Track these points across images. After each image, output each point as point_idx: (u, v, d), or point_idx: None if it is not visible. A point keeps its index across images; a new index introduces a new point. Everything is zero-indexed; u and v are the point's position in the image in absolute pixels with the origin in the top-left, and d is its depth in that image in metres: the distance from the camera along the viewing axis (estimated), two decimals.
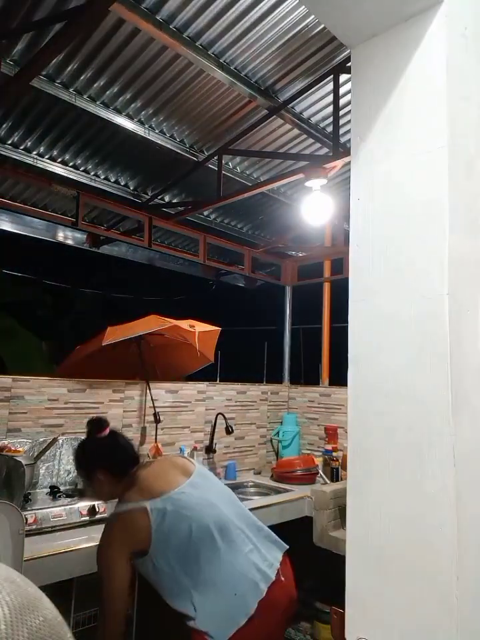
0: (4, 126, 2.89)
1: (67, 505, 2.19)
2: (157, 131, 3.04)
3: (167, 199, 3.86)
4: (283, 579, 1.70)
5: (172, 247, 4.47)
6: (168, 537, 1.60)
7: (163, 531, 1.60)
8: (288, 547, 1.83)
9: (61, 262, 6.22)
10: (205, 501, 1.71)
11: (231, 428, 3.35)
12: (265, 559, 1.70)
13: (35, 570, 1.69)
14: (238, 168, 3.56)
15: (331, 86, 2.62)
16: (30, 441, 2.43)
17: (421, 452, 1.05)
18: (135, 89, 2.66)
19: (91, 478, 1.79)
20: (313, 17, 2.16)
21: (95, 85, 2.62)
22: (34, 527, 2.00)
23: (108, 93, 2.68)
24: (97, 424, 1.84)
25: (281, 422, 3.92)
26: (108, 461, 1.79)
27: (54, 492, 2.36)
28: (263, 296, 5.31)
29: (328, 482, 3.19)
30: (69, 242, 3.78)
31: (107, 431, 1.84)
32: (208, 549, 1.61)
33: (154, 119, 2.95)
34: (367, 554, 1.12)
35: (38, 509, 2.09)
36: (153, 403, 3.03)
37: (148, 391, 3.02)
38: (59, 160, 3.27)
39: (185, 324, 2.88)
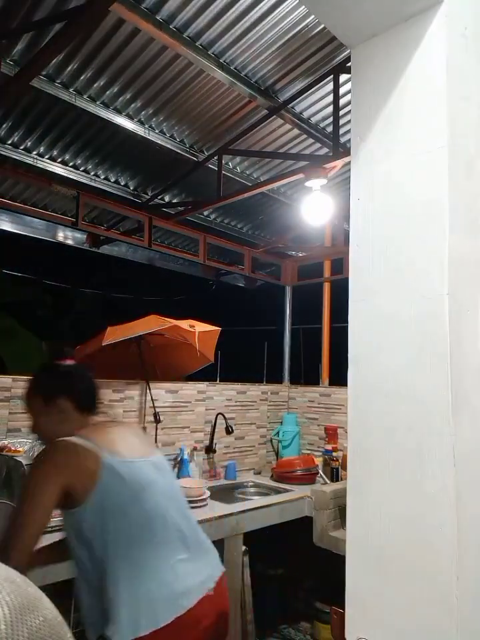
0: (4, 126, 2.89)
1: None
2: (157, 131, 3.04)
3: (167, 199, 3.86)
4: (212, 594, 1.49)
5: (172, 247, 4.47)
6: (107, 505, 1.38)
7: (106, 494, 1.38)
8: (224, 569, 1.62)
9: (61, 262, 6.23)
10: (158, 488, 1.51)
11: (231, 428, 3.35)
12: (197, 573, 1.49)
13: (34, 570, 1.69)
14: (238, 168, 3.56)
15: (331, 86, 2.62)
16: (30, 440, 2.43)
17: (421, 452, 1.05)
18: (135, 89, 2.66)
19: (49, 406, 1.52)
20: (313, 17, 2.16)
21: (95, 85, 2.62)
22: None
23: (108, 93, 2.68)
24: (59, 349, 1.63)
25: (281, 422, 3.92)
26: (75, 388, 1.55)
27: None
28: (263, 296, 5.31)
29: (328, 482, 3.19)
30: (69, 242, 3.78)
31: (71, 361, 1.61)
32: (141, 539, 1.41)
33: (154, 119, 2.95)
34: (367, 554, 1.13)
35: None
36: (153, 403, 3.03)
37: (148, 390, 3.02)
38: (59, 160, 3.27)
39: (184, 324, 2.88)
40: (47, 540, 1.50)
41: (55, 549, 1.60)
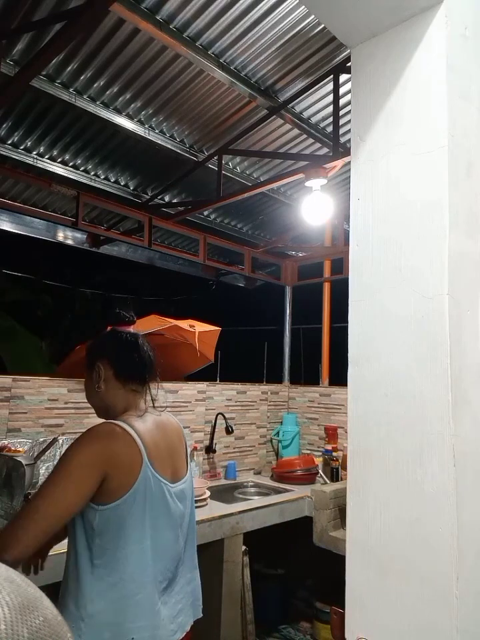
0: (4, 126, 2.89)
1: None
2: (157, 131, 3.04)
3: (167, 199, 3.86)
4: None
5: (172, 247, 4.47)
6: (128, 516, 1.23)
7: (134, 501, 1.23)
8: (201, 615, 1.49)
9: (61, 262, 6.23)
10: (171, 521, 1.34)
11: (231, 428, 3.35)
12: (171, 620, 1.33)
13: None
14: (238, 168, 3.55)
15: (331, 86, 2.62)
16: (30, 441, 2.43)
17: (421, 452, 1.05)
18: (134, 89, 2.66)
19: (91, 368, 1.41)
20: (313, 16, 2.16)
21: (95, 85, 2.62)
22: None
23: (108, 92, 2.68)
24: (120, 316, 1.47)
25: (281, 422, 3.92)
26: (114, 350, 1.42)
27: None
28: (263, 296, 5.31)
29: (328, 482, 3.19)
30: (69, 242, 3.78)
31: (131, 328, 1.48)
32: (133, 571, 1.25)
33: (154, 119, 2.95)
34: (367, 554, 1.12)
35: None
36: (153, 403, 3.03)
37: (148, 390, 3.02)
38: (59, 160, 3.28)
39: (184, 324, 2.88)
40: None
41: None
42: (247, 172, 3.62)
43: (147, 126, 2.98)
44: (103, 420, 1.33)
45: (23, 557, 1.13)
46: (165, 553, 1.32)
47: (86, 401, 1.50)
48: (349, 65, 1.77)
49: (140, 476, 1.24)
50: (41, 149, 3.15)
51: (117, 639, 1.22)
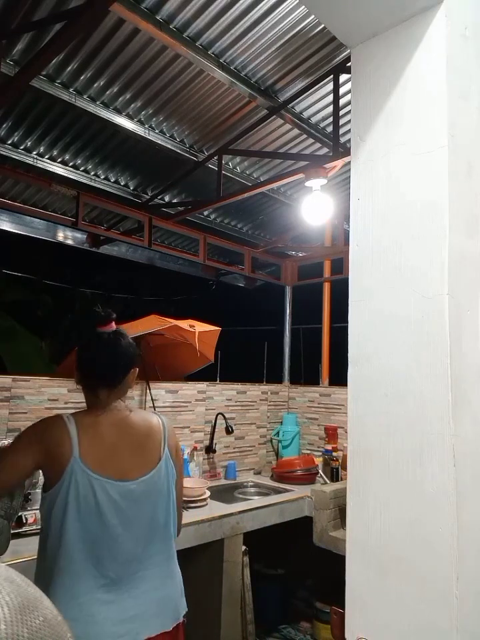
0: (4, 126, 2.89)
1: None
2: (157, 131, 3.04)
3: (167, 199, 3.86)
4: None
5: (172, 247, 4.47)
6: (57, 504, 1.30)
7: (60, 493, 1.30)
8: (169, 628, 1.39)
9: (61, 262, 6.23)
10: (111, 517, 1.33)
11: (231, 428, 3.35)
12: (116, 623, 1.30)
13: (35, 570, 1.68)
14: (238, 168, 3.55)
15: (331, 86, 2.62)
16: None
17: (421, 452, 1.05)
18: (134, 89, 2.66)
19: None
20: (313, 16, 2.16)
21: (95, 85, 2.62)
22: (34, 526, 2.00)
23: (108, 92, 2.68)
24: (101, 317, 1.47)
25: (281, 422, 3.92)
26: (78, 355, 1.48)
27: None
28: (263, 296, 5.31)
29: (328, 482, 3.19)
30: (69, 242, 3.79)
31: (112, 326, 1.47)
32: (57, 558, 1.30)
33: (154, 119, 2.95)
34: (367, 554, 1.12)
35: (37, 509, 2.08)
36: (153, 403, 3.03)
37: (148, 390, 3.02)
38: (59, 160, 3.28)
39: (184, 324, 2.88)
40: None
41: None
42: (247, 172, 3.62)
43: (146, 126, 2.98)
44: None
45: None
46: (100, 549, 1.32)
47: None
48: (349, 65, 1.77)
49: (67, 469, 1.31)
50: (41, 149, 3.15)
51: None
